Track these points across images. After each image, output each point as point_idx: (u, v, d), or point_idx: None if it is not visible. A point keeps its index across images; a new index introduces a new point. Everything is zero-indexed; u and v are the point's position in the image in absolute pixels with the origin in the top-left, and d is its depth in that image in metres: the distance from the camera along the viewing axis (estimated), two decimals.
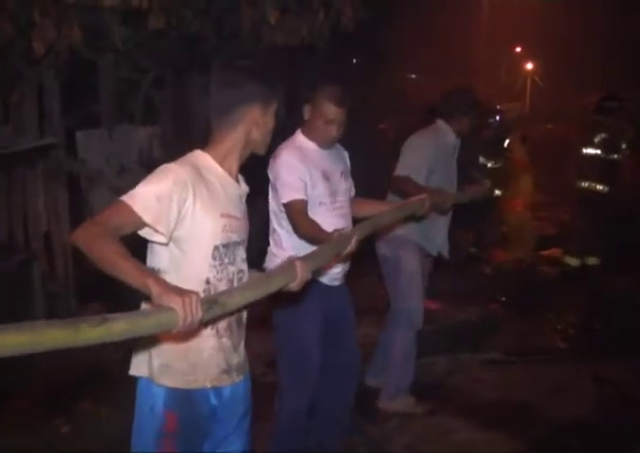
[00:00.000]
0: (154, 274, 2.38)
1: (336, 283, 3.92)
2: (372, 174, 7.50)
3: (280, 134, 3.64)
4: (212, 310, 2.25)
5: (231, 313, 2.55)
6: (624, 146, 8.62)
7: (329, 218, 3.74)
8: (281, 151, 3.77)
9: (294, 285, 2.65)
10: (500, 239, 9.22)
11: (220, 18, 6.72)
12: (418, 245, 5.07)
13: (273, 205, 3.83)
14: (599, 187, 8.57)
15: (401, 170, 4.91)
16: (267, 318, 3.89)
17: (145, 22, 5.79)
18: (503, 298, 7.73)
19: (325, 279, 3.83)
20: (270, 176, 3.78)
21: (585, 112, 9.83)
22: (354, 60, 11.18)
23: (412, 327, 5.01)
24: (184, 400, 2.59)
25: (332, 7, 6.75)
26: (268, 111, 2.68)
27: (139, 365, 2.63)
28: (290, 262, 2.66)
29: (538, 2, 21.09)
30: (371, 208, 3.98)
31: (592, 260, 8.74)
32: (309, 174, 3.71)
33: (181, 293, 2.15)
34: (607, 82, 13.75)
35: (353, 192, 4.06)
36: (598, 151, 8.60)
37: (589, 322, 7.06)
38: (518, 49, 26.34)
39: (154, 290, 2.15)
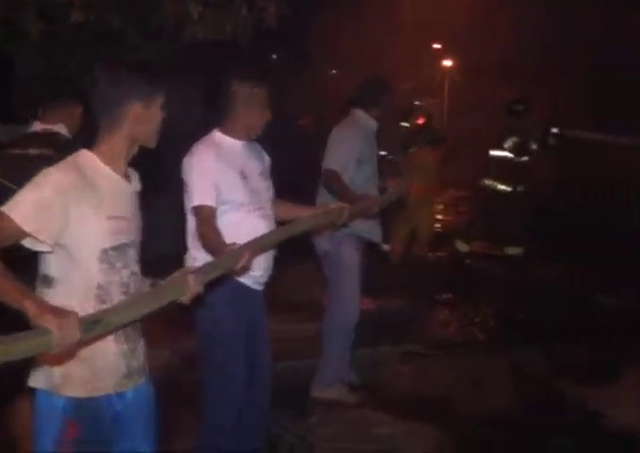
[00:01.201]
0: (33, 294, 2.31)
1: (258, 288, 3.80)
2: (294, 172, 7.52)
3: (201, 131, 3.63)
4: (93, 330, 2.19)
5: None
6: (534, 148, 8.91)
7: (251, 219, 3.62)
8: (195, 150, 3.64)
9: (185, 299, 2.58)
10: (413, 233, 9.27)
11: (142, 13, 6.62)
12: (359, 237, 5.12)
13: (189, 206, 3.68)
14: (502, 187, 8.87)
15: (330, 163, 4.95)
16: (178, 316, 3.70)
17: (65, 15, 5.67)
18: (423, 291, 7.80)
19: (248, 282, 3.70)
20: (183, 175, 3.63)
21: (498, 111, 10.06)
22: (275, 56, 11.17)
23: (349, 319, 5.07)
24: (86, 408, 2.54)
25: (255, 3, 6.73)
26: (151, 106, 2.63)
27: (38, 376, 2.56)
28: (182, 275, 2.59)
29: None
30: (292, 211, 3.88)
31: (512, 252, 8.99)
32: (224, 174, 3.58)
33: (58, 314, 2.11)
34: (524, 79, 14.05)
35: (272, 193, 3.92)
36: (509, 154, 8.89)
37: (508, 313, 7.23)
38: (439, 45, 26.62)
39: (30, 310, 2.10)
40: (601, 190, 11.69)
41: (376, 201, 4.68)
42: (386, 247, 8.83)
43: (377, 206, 4.62)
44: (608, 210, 10.91)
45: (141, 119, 2.61)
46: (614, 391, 5.02)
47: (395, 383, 5.53)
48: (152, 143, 2.70)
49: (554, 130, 8.97)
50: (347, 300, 5.06)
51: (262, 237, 3.27)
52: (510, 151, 8.90)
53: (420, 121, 9.53)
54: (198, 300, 2.69)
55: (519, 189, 8.97)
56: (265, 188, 3.82)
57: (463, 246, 9.22)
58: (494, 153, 9.02)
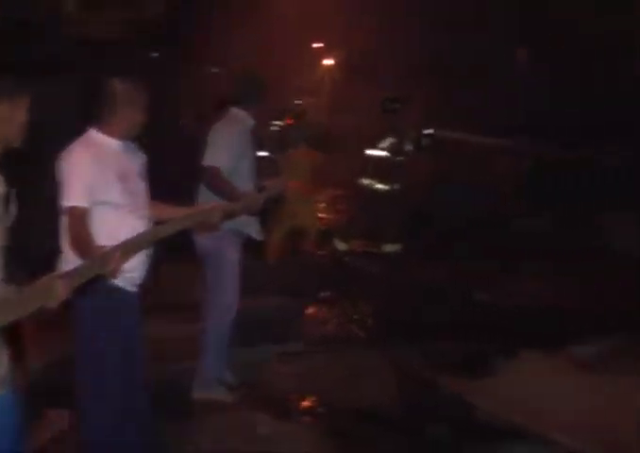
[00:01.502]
0: None
1: (134, 289, 3.73)
2: (175, 172, 7.46)
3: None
4: None
5: None
6: (409, 148, 9.14)
7: (128, 221, 3.57)
8: (71, 150, 3.57)
9: (53, 304, 2.52)
10: (297, 231, 9.33)
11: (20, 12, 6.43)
12: (239, 233, 5.13)
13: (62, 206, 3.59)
14: (380, 186, 9.07)
15: (210, 160, 4.97)
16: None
17: None
18: (302, 289, 7.84)
19: (123, 283, 3.60)
20: (57, 175, 3.54)
21: (375, 111, 10.28)
22: (156, 54, 11.02)
23: (227, 318, 5.10)
24: None
25: (134, 1, 6.65)
26: (16, 107, 2.66)
27: None
28: (50, 279, 2.51)
29: None
30: (168, 212, 3.85)
31: (390, 249, 9.19)
32: (100, 175, 3.52)
33: None
34: (399, 81, 14.39)
35: (147, 194, 3.88)
36: (386, 153, 9.08)
37: (387, 310, 7.36)
38: (320, 45, 26.80)
39: None
40: (474, 189, 12.11)
41: (254, 199, 4.72)
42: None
43: (256, 203, 4.67)
44: (481, 209, 11.32)
45: (5, 120, 2.60)
46: (486, 383, 5.19)
47: (276, 382, 5.56)
48: (17, 143, 2.69)
49: (427, 131, 9.23)
50: (227, 298, 5.09)
51: (134, 238, 3.25)
52: (386, 151, 9.09)
53: (289, 121, 9.60)
54: (69, 304, 2.64)
55: (396, 187, 9.17)
56: (142, 189, 3.78)
57: (341, 245, 9.36)
58: (371, 152, 9.20)
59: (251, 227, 5.26)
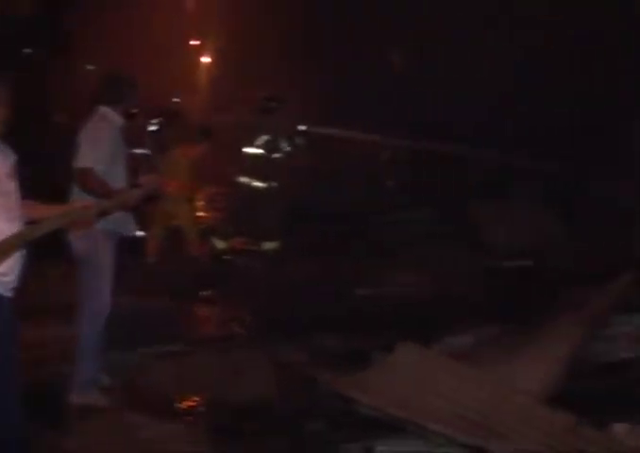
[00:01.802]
0: None
1: (8, 294, 3.55)
2: (50, 171, 7.28)
3: None
4: None
5: None
6: (284, 145, 9.22)
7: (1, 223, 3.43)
8: None
9: None
10: (171, 230, 9.26)
11: None
12: (113, 233, 5.07)
13: None
14: (257, 184, 9.13)
15: (83, 161, 4.93)
16: None
17: None
18: (183, 289, 7.81)
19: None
20: None
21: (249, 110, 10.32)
22: (29, 50, 10.73)
23: (100, 320, 5.03)
24: None
25: None
26: None
27: None
28: None
29: None
30: (40, 211, 3.72)
31: (268, 247, 9.25)
32: None
33: None
34: (277, 78, 14.48)
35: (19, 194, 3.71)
36: (261, 151, 9.13)
37: (268, 307, 7.40)
38: (197, 42, 26.59)
39: None
40: (353, 184, 12.35)
41: (128, 195, 4.65)
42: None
43: (130, 200, 4.60)
44: (357, 205, 11.56)
45: None
46: (365, 377, 5.28)
47: (157, 383, 5.50)
48: None
49: (301, 128, 9.35)
50: (100, 300, 5.03)
51: (7, 240, 3.16)
52: (261, 148, 9.16)
53: (165, 119, 9.52)
54: None
55: (273, 185, 9.26)
56: (13, 189, 3.64)
57: (220, 243, 9.35)
58: (247, 150, 9.25)
59: (126, 226, 5.22)
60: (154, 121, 9.61)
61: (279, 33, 14.80)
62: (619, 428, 4.46)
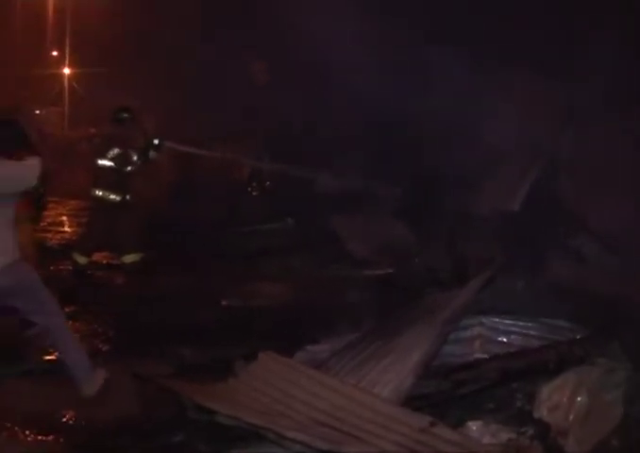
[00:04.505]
0: None
1: None
2: None
3: None
4: None
5: None
6: (135, 158, 9.18)
7: None
8: None
9: None
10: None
11: None
12: None
13: None
14: (112, 196, 9.07)
15: None
16: None
17: None
18: None
19: None
20: None
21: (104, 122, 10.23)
22: None
23: None
24: None
25: None
26: None
27: None
28: None
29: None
30: None
31: (129, 260, 9.19)
32: None
33: None
34: (137, 91, 14.41)
35: None
36: (113, 164, 9.06)
37: (130, 321, 7.34)
38: (56, 53, 26.00)
39: None
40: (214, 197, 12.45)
41: None
42: None
43: None
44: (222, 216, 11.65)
45: None
46: (226, 387, 5.32)
47: (14, 404, 5.33)
48: None
49: (155, 141, 9.31)
50: None
51: None
52: (112, 162, 9.08)
53: None
54: None
55: (128, 198, 9.20)
56: None
57: (81, 259, 9.18)
58: (101, 162, 9.14)
59: None
60: None
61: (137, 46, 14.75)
62: (474, 427, 4.70)
